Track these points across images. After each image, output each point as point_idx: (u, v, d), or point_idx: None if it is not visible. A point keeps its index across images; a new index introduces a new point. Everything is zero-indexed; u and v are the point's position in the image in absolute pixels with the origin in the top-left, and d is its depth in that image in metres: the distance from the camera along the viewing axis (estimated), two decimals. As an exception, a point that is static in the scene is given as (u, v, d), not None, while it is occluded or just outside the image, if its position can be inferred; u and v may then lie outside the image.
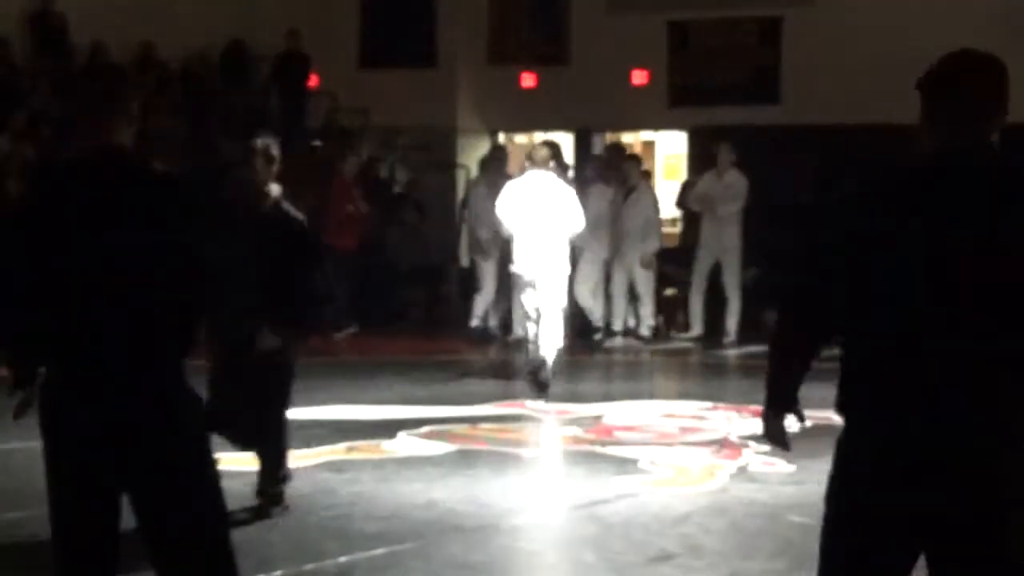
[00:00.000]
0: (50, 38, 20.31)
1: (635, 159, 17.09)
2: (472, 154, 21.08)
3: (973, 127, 3.83)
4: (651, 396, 12.40)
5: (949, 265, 3.71)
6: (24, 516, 7.59)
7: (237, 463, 8.66)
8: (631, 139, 23.15)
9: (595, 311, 15.76)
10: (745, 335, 16.35)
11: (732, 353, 15.35)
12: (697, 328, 16.09)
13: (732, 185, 15.94)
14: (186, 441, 4.31)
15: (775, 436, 4.05)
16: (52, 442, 4.33)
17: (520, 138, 21.88)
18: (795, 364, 3.98)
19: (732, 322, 15.93)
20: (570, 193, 12.63)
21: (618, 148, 18.33)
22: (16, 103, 18.85)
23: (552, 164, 12.73)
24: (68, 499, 4.33)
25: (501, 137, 22.55)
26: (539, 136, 19.47)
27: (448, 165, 21.71)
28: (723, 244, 15.93)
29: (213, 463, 4.41)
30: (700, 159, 17.75)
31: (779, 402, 4.02)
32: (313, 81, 22.16)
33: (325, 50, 22.12)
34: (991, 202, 3.74)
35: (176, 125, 19.83)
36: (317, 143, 21.78)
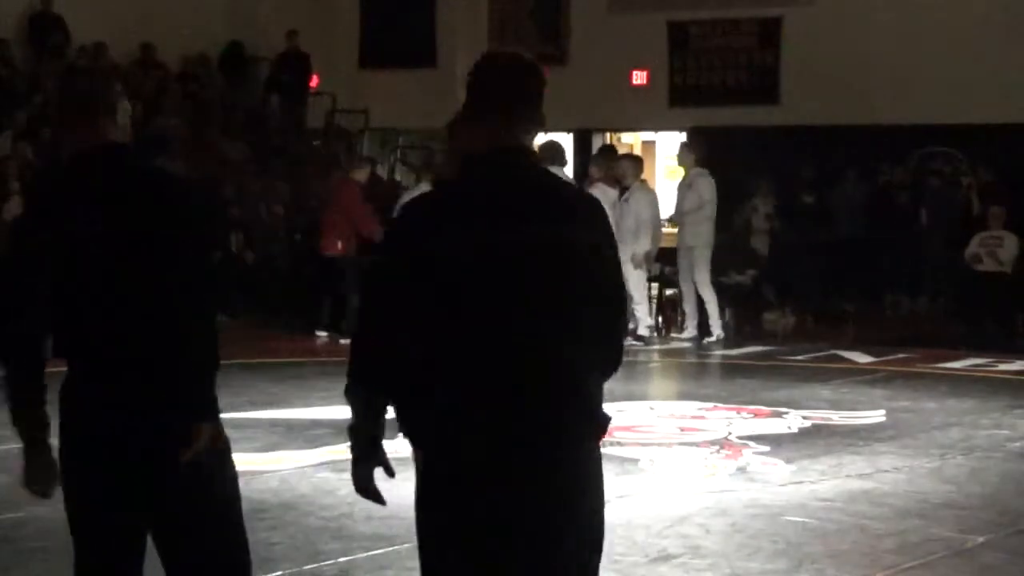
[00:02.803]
0: (50, 40, 20.33)
1: (633, 158, 17.07)
2: (472, 154, 21.08)
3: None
4: (651, 396, 12.40)
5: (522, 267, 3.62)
6: (24, 516, 7.58)
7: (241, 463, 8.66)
8: (631, 139, 23.17)
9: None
10: (746, 335, 16.36)
11: (732, 353, 15.34)
12: (691, 328, 16.08)
13: (691, 186, 15.91)
14: (199, 456, 4.18)
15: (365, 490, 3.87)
16: (67, 449, 4.27)
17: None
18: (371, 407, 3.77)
19: (712, 322, 15.91)
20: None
21: (609, 148, 18.28)
22: (16, 104, 18.87)
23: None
24: (84, 509, 4.28)
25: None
26: (538, 136, 19.51)
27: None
28: (687, 244, 15.95)
29: (230, 475, 4.31)
30: (704, 162, 17.77)
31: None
32: (313, 81, 22.18)
33: (325, 50, 22.14)
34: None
35: (176, 126, 19.85)
36: (317, 143, 21.81)
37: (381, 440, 3.83)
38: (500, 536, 3.66)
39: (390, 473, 3.85)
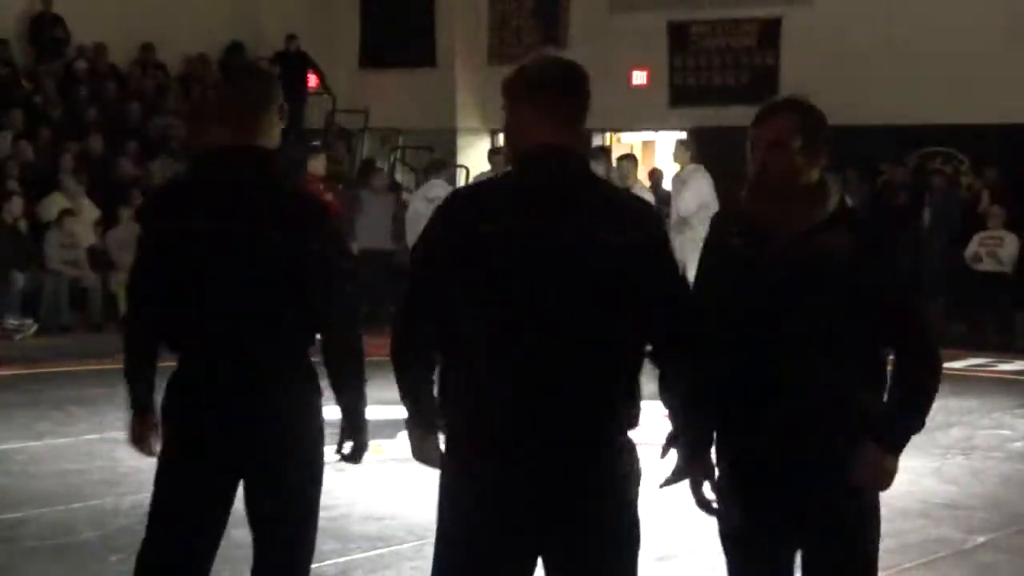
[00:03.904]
0: (50, 40, 20.32)
1: (631, 159, 17.06)
2: (472, 154, 21.07)
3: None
4: (651, 396, 12.39)
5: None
6: (24, 516, 7.59)
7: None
8: (631, 139, 23.17)
9: None
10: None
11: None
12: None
13: (685, 181, 15.77)
14: (294, 443, 4.48)
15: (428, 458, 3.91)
16: (175, 426, 4.38)
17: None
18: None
19: None
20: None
21: (602, 150, 18.29)
22: (16, 104, 18.86)
23: None
24: (183, 483, 4.38)
25: (501, 137, 22.52)
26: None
27: (448, 165, 21.72)
28: (678, 243, 15.90)
29: (319, 473, 4.61)
30: (699, 159, 17.74)
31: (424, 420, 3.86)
32: (313, 81, 22.18)
33: (325, 50, 22.13)
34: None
35: (176, 126, 19.85)
36: (317, 143, 21.81)
37: (434, 409, 3.88)
38: (519, 516, 3.70)
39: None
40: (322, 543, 7.12)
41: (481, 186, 4.11)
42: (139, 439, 4.48)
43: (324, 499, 8.14)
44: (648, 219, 3.82)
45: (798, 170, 4.02)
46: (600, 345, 3.68)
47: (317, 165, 16.71)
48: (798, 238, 3.97)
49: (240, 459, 4.36)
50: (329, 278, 4.32)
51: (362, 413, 4.47)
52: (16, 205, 16.45)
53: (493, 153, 18.53)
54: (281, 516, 4.46)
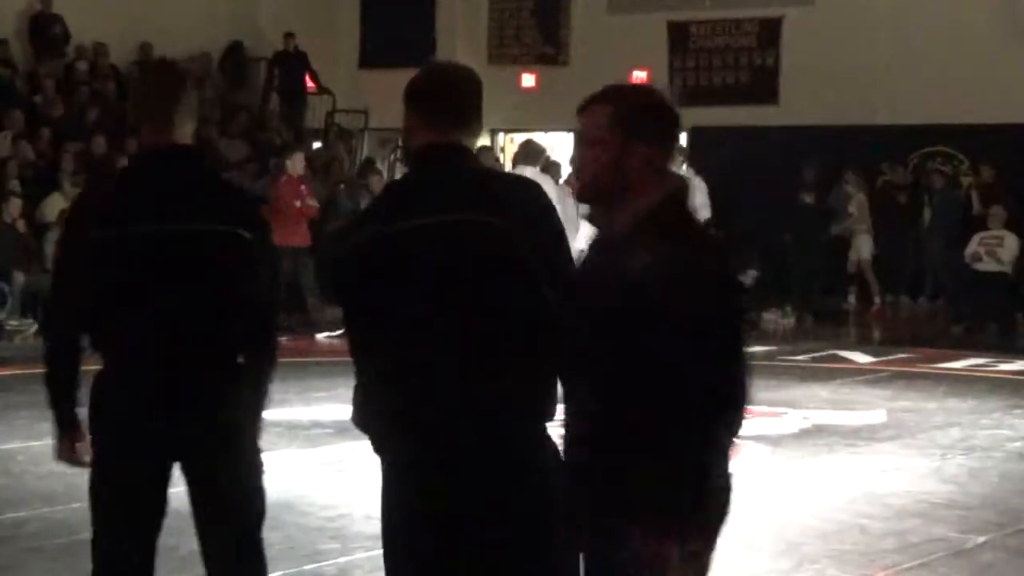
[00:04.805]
0: (50, 40, 20.32)
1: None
2: (472, 154, 20.99)
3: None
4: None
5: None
6: (24, 516, 7.58)
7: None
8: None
9: None
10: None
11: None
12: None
13: None
14: (233, 432, 4.38)
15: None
16: (104, 419, 4.37)
17: (520, 138, 21.91)
18: None
19: None
20: None
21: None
22: (16, 104, 18.86)
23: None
24: (117, 474, 4.38)
25: (501, 137, 22.55)
26: (539, 136, 19.52)
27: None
28: None
29: (257, 458, 4.48)
30: (699, 159, 17.75)
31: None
32: (312, 82, 22.18)
33: (325, 50, 22.13)
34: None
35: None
36: (317, 143, 21.80)
37: None
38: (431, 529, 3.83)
39: None
40: (322, 543, 7.14)
41: (390, 187, 4.24)
42: (68, 455, 4.45)
43: (324, 499, 8.17)
44: (528, 197, 3.81)
45: (609, 167, 3.44)
46: (499, 323, 3.66)
47: (296, 165, 16.65)
48: (609, 250, 3.45)
49: (175, 454, 4.36)
50: (262, 267, 4.35)
51: (264, 400, 4.46)
52: (16, 205, 16.45)
53: (485, 150, 18.52)
54: (225, 509, 4.43)
